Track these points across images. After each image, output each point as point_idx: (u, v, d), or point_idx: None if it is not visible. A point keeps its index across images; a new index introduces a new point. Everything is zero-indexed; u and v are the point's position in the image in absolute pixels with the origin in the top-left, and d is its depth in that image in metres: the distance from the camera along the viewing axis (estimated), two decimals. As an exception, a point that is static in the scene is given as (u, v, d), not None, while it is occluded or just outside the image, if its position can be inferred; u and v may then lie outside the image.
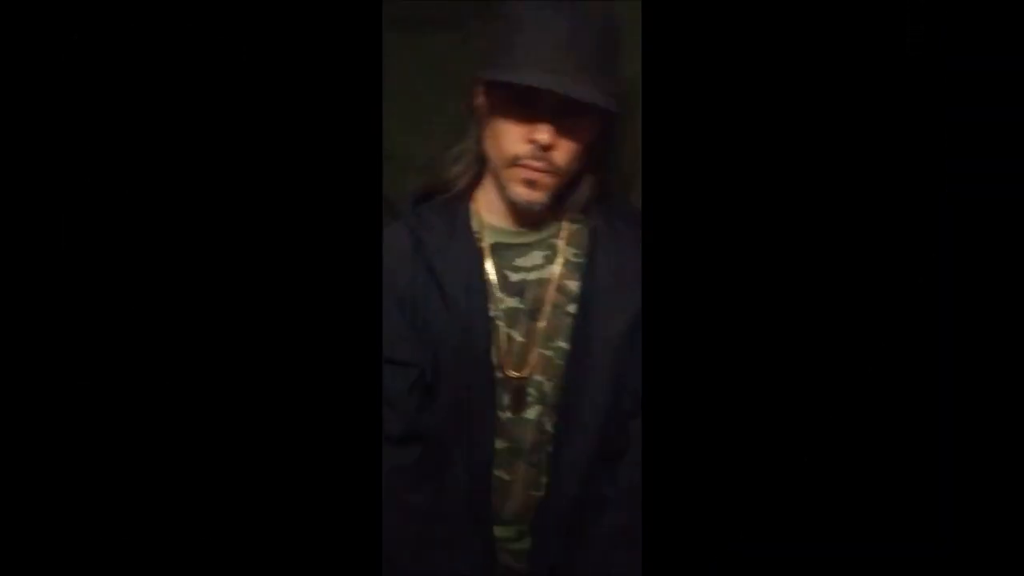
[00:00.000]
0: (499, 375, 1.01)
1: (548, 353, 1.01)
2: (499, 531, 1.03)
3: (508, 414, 1.01)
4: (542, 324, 1.01)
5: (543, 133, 0.92)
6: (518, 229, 1.03)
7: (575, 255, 1.03)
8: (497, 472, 1.02)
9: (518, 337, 1.01)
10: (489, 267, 1.01)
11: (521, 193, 0.96)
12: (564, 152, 0.94)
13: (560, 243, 1.03)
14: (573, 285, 1.02)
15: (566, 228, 1.03)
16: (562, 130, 0.93)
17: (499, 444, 1.01)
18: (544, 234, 1.03)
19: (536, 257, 1.02)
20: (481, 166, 1.03)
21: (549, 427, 1.02)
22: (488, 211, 1.03)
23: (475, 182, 1.04)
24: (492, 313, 1.00)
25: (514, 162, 0.95)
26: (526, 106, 0.93)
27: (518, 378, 1.01)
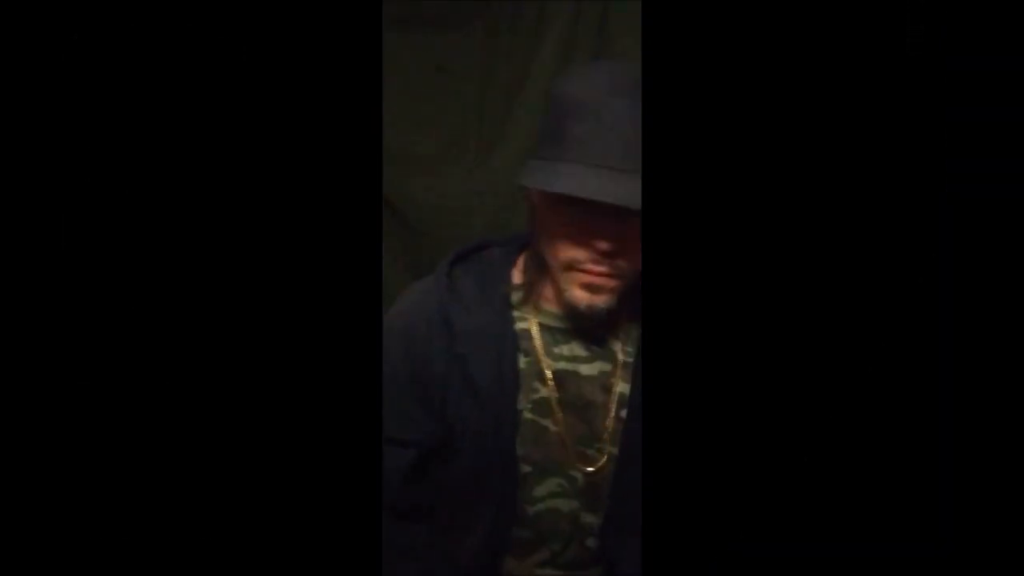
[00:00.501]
0: (527, 468, 0.91)
1: (595, 455, 0.92)
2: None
3: (538, 507, 0.93)
4: (592, 424, 0.91)
5: (603, 241, 0.81)
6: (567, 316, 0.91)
7: (627, 353, 0.92)
8: (512, 558, 0.95)
9: (553, 428, 0.90)
10: (525, 354, 0.90)
11: (581, 297, 0.85)
12: (631, 256, 0.82)
13: (612, 339, 0.92)
14: (623, 387, 0.92)
15: (623, 323, 0.91)
16: (628, 231, 0.80)
17: (520, 533, 0.94)
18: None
19: (576, 348, 0.92)
20: (539, 261, 0.90)
21: (592, 521, 0.93)
22: (537, 293, 0.92)
23: (531, 276, 0.92)
24: (521, 405, 0.90)
25: (571, 266, 0.84)
26: (583, 206, 0.79)
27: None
